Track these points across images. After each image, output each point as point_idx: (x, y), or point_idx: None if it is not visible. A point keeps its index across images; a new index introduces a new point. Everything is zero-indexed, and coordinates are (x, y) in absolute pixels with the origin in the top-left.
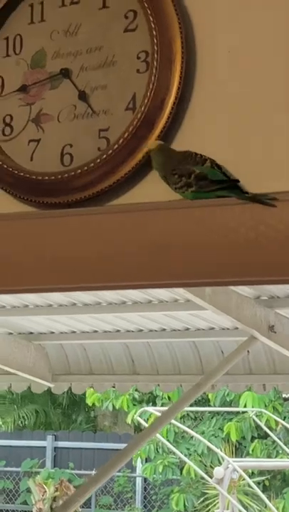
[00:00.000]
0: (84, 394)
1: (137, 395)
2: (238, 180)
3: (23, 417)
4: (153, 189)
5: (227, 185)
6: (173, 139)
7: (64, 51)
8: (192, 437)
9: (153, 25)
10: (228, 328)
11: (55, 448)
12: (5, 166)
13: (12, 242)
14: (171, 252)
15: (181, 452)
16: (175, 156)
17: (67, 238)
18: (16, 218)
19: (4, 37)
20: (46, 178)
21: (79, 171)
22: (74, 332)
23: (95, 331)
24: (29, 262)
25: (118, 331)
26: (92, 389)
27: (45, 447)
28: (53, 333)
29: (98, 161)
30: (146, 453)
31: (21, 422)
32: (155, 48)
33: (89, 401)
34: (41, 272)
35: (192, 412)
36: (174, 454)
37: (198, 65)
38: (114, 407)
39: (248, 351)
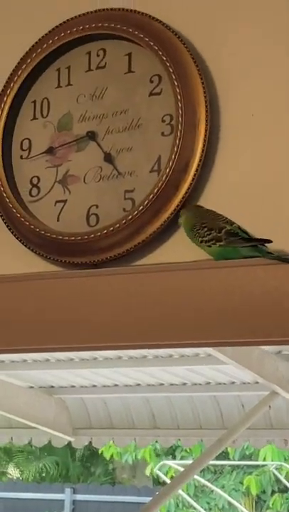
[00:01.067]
0: None
1: (158, 447)
2: (270, 241)
3: (42, 468)
4: (178, 249)
5: (258, 243)
6: (197, 201)
7: (90, 114)
8: (212, 491)
9: (178, 90)
10: (249, 383)
11: (73, 501)
12: (32, 227)
13: (39, 301)
14: (196, 311)
15: (202, 506)
16: (204, 212)
17: (94, 298)
18: (42, 278)
19: (32, 100)
20: (72, 238)
21: (105, 231)
22: (95, 386)
23: (116, 385)
24: (56, 320)
25: (139, 384)
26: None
27: (63, 500)
28: (73, 386)
29: (124, 221)
30: (166, 507)
31: (39, 475)
32: (180, 111)
33: (107, 454)
34: (68, 331)
35: (212, 465)
36: (194, 508)
37: (222, 129)
38: (133, 459)
39: (270, 406)
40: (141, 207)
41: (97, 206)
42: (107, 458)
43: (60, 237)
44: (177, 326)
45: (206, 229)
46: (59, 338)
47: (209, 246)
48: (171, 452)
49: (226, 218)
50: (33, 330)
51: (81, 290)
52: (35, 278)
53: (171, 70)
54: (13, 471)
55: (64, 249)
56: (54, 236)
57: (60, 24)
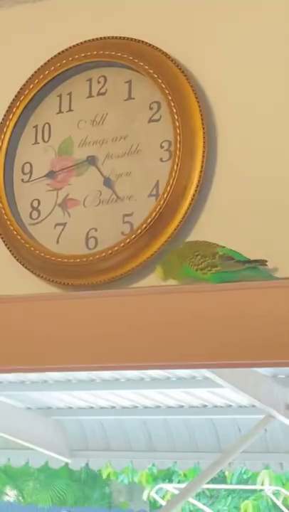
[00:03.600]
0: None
1: (155, 470)
2: (266, 261)
3: (39, 491)
4: None
5: (254, 265)
6: (194, 225)
7: (90, 139)
8: None
9: (176, 116)
10: (245, 406)
11: None
12: (32, 249)
13: (38, 322)
14: (195, 333)
15: None
16: (190, 244)
17: (92, 319)
18: (41, 299)
19: (33, 125)
20: (72, 260)
21: (103, 254)
22: (92, 408)
23: (113, 407)
24: (54, 341)
25: (136, 407)
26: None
27: None
28: (71, 408)
29: (122, 244)
30: None
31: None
32: (178, 137)
33: (104, 473)
34: (66, 351)
35: (207, 489)
36: None
37: (219, 155)
38: (130, 480)
39: (266, 430)
40: (139, 230)
41: (96, 229)
42: (104, 477)
43: (60, 260)
44: (174, 347)
45: (199, 257)
46: (57, 359)
47: (205, 273)
48: (168, 476)
49: (214, 243)
50: (31, 350)
51: (79, 311)
52: (35, 299)
53: (170, 98)
54: (10, 493)
55: (63, 271)
56: (53, 258)
57: (62, 51)
